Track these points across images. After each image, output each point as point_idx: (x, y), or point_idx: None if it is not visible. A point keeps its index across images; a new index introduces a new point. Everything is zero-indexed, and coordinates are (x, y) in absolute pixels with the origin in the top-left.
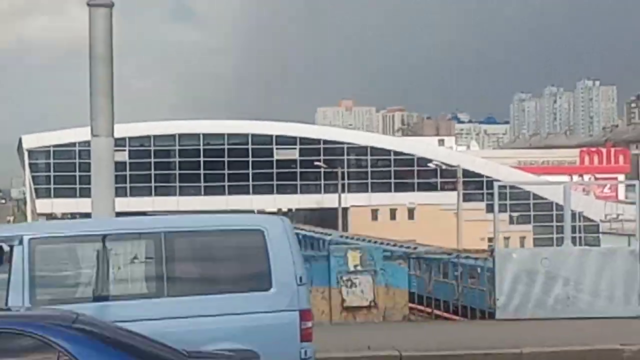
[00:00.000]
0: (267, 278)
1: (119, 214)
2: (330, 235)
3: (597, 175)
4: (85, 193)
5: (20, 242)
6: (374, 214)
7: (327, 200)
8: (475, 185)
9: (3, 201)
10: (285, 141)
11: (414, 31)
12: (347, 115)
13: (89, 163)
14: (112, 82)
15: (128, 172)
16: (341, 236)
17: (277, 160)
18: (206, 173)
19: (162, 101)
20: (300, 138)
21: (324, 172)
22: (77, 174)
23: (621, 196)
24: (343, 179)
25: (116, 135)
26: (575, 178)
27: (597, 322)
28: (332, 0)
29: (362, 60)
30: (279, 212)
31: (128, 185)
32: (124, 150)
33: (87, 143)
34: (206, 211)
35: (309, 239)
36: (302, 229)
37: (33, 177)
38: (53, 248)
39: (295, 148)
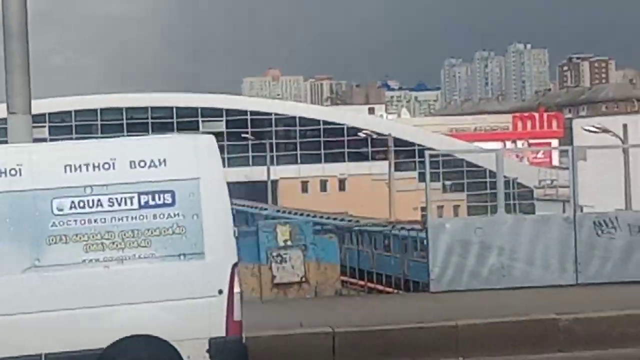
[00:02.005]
0: None
1: None
2: (266, 210)
3: (531, 141)
4: None
5: None
6: (304, 186)
7: (256, 173)
8: (406, 154)
9: None
10: (211, 113)
11: None
12: (274, 86)
13: (6, 141)
14: (28, 58)
15: None
16: (278, 210)
17: (203, 133)
18: None
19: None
20: (227, 110)
21: (252, 144)
22: None
23: (555, 161)
24: (271, 150)
25: (36, 111)
26: (509, 144)
27: (532, 291)
28: None
29: (288, 28)
30: None
31: None
32: (44, 126)
33: (4, 121)
34: None
35: (242, 215)
36: (236, 204)
37: None
38: None
39: (221, 120)
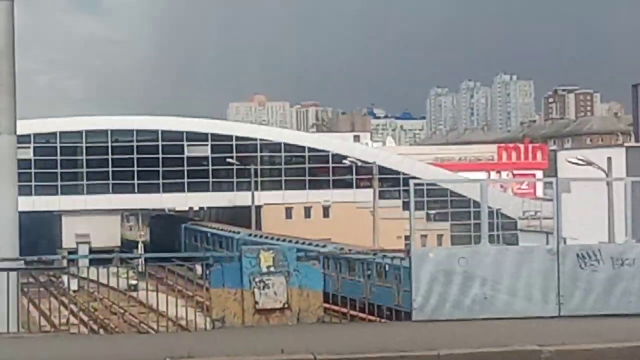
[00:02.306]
0: None
1: (23, 213)
2: (238, 233)
3: (515, 172)
4: None
5: None
6: (288, 212)
7: (240, 198)
8: (391, 183)
9: None
10: (197, 137)
11: (328, 25)
12: (260, 111)
13: None
14: (14, 78)
15: (33, 170)
16: (250, 235)
17: (188, 157)
18: (115, 171)
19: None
20: (212, 134)
21: (237, 169)
22: None
23: (539, 193)
24: (256, 176)
25: (20, 131)
26: (493, 174)
27: (515, 322)
28: None
29: (274, 54)
30: (190, 211)
31: (33, 183)
32: (29, 147)
33: None
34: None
35: (217, 237)
36: (210, 227)
37: None
38: None
39: (206, 145)
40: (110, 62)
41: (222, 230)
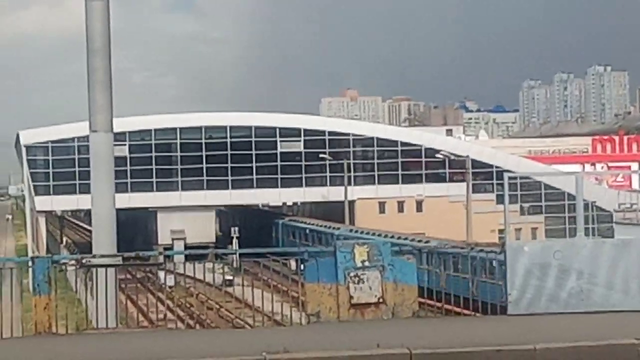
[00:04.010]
0: None
1: (119, 210)
2: (338, 229)
3: (610, 164)
4: (85, 189)
5: None
6: (382, 206)
7: (333, 193)
8: (484, 176)
9: (2, 198)
10: (290, 133)
11: (420, 18)
12: (352, 106)
13: (88, 159)
14: (110, 75)
15: (129, 168)
16: (350, 230)
17: (281, 153)
18: (209, 167)
19: (163, 94)
20: (305, 130)
21: (330, 164)
22: (77, 170)
23: (635, 185)
24: (349, 171)
25: (116, 129)
26: (588, 167)
27: (612, 315)
28: None
29: (367, 49)
30: (283, 206)
31: (129, 180)
32: (124, 144)
33: (86, 138)
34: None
35: (316, 233)
36: (309, 223)
37: (31, 173)
38: None
39: (299, 140)
40: (204, 59)
41: (321, 226)
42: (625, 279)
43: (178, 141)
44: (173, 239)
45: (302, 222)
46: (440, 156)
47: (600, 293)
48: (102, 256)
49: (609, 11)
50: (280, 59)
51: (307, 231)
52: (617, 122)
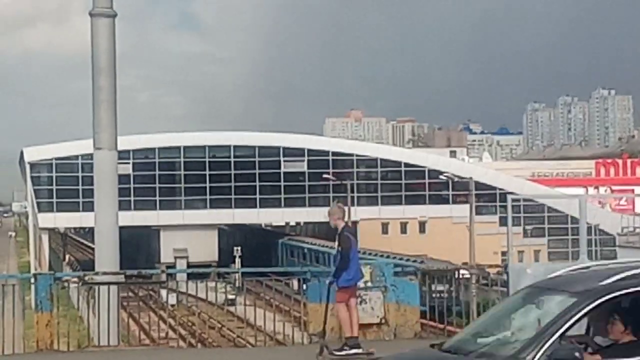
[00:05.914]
0: None
1: (122, 228)
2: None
3: (613, 187)
4: (89, 207)
5: None
6: (385, 227)
7: None
8: (488, 198)
9: (6, 215)
10: (293, 153)
11: (424, 41)
12: (356, 127)
13: (92, 176)
14: (115, 94)
15: (132, 185)
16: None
17: (284, 173)
18: (212, 186)
19: (168, 113)
20: (309, 150)
21: (333, 184)
22: (80, 187)
23: (638, 208)
24: (352, 191)
25: (120, 147)
26: (591, 190)
27: None
28: (341, 9)
29: (371, 70)
30: (287, 226)
31: (132, 198)
32: (128, 162)
33: (90, 156)
34: (212, 225)
35: (314, 253)
36: (308, 242)
37: (35, 190)
38: None
39: (303, 160)
40: (210, 79)
41: (319, 245)
42: None
43: (182, 160)
44: (176, 258)
45: (301, 241)
46: (444, 178)
47: None
48: (105, 274)
49: (614, 35)
50: (285, 79)
51: (306, 250)
52: (621, 145)
